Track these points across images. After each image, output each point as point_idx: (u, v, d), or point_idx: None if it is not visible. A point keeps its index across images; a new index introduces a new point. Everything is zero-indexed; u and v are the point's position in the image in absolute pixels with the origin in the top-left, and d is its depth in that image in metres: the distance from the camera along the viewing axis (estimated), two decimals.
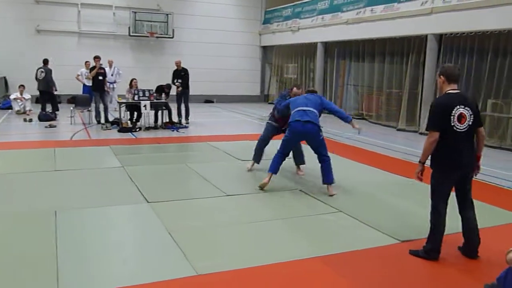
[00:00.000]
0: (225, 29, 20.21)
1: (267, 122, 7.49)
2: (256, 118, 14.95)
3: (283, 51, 20.53)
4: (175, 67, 12.92)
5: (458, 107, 3.90)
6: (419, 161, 4.11)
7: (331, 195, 6.04)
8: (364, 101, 15.58)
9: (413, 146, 10.42)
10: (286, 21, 19.26)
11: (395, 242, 4.55)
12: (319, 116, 6.29)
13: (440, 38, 12.08)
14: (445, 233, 4.12)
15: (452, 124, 3.89)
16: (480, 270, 3.98)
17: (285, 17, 19.50)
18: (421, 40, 12.65)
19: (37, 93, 13.55)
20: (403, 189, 6.64)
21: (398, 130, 13.06)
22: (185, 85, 12.80)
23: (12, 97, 14.24)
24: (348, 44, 16.12)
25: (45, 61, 13.30)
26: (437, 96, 4.14)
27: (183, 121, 12.72)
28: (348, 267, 3.96)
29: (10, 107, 14.88)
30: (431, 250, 4.11)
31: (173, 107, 12.41)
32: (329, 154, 6.33)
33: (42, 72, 12.98)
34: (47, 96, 13.25)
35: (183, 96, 12.83)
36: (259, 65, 21.59)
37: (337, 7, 15.94)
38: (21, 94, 14.02)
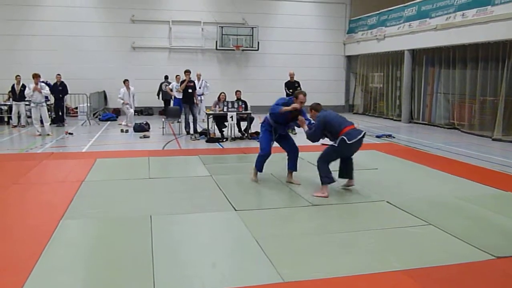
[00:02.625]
0: (309, 39, 20.33)
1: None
2: None
3: (368, 60, 20.21)
4: (288, 78, 13.92)
5: None
6: None
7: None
8: (455, 110, 14.88)
9: (504, 155, 9.79)
10: (371, 30, 18.96)
11: (489, 258, 4.32)
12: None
13: None
14: None
15: None
16: None
17: (370, 26, 19.20)
18: None
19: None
20: (500, 202, 6.26)
21: (494, 140, 12.30)
22: None
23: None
24: (437, 51, 15.52)
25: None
26: None
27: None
28: (436, 282, 3.83)
29: (110, 119, 16.09)
30: None
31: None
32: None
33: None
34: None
35: None
36: (343, 75, 21.41)
37: (425, 13, 15.43)
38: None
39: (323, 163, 6.53)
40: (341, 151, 6.42)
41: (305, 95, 6.81)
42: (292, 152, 7.34)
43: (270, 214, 5.65)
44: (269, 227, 5.15)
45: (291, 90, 13.55)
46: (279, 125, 7.15)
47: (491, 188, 6.98)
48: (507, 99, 12.49)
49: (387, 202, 6.17)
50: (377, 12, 18.68)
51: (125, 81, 14.36)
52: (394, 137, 12.72)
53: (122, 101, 14.41)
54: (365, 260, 4.25)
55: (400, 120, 17.31)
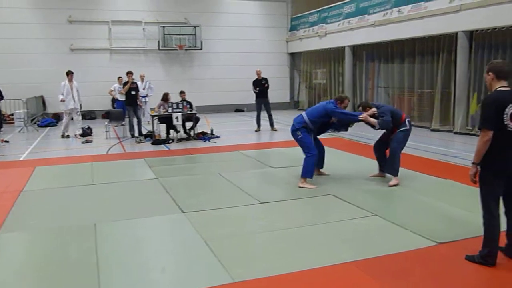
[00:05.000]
0: (252, 38, 20.41)
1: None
2: (286, 125, 14.96)
3: (311, 57, 20.53)
4: (256, 76, 13.80)
5: (510, 105, 3.76)
6: (473, 163, 3.92)
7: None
8: (395, 103, 15.39)
9: (449, 146, 10.25)
10: (313, 27, 19.27)
11: (432, 245, 4.48)
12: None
13: (471, 35, 11.84)
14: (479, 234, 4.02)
15: (506, 123, 3.75)
16: None
17: (311, 23, 19.51)
18: (451, 38, 12.43)
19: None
20: (441, 190, 6.52)
21: (432, 130, 12.83)
22: (265, 94, 13.57)
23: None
24: (376, 46, 15.99)
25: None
26: (488, 94, 3.97)
27: (269, 128, 13.66)
28: (385, 271, 3.92)
29: (49, 125, 15.45)
30: (487, 255, 3.93)
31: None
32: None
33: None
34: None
35: (264, 104, 13.58)
36: (287, 72, 21.66)
37: (364, 10, 15.85)
38: None
39: (399, 152, 6.84)
40: (409, 133, 6.94)
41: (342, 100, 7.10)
42: (320, 151, 7.28)
43: (219, 214, 5.60)
44: (218, 228, 5.10)
45: (258, 88, 13.60)
46: (316, 129, 7.18)
47: (431, 176, 7.27)
48: (443, 91, 13.05)
49: (334, 195, 6.28)
50: (318, 9, 19.01)
51: (68, 73, 12.72)
52: (338, 132, 12.96)
53: (60, 97, 12.62)
54: (314, 254, 4.29)
55: None
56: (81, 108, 13.18)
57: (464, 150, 9.61)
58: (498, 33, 11.10)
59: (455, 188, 6.53)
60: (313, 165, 6.88)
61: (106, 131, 12.72)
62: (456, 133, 12.04)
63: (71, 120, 12.87)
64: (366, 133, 11.43)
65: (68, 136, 12.81)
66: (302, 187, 6.75)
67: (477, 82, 11.79)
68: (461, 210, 5.53)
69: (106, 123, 13.06)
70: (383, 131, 7.14)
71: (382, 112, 6.77)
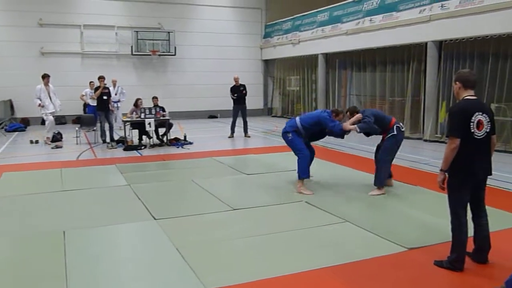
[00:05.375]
0: (227, 44, 20.41)
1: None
2: (260, 132, 15.01)
3: (285, 64, 20.67)
4: (233, 83, 13.82)
5: (477, 113, 3.86)
6: (441, 170, 3.99)
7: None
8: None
9: (419, 153, 10.43)
10: (287, 34, 19.41)
11: (403, 250, 4.54)
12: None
13: (440, 45, 12.14)
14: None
15: (472, 131, 3.85)
16: (491, 274, 3.95)
17: (285, 31, 19.65)
18: (421, 47, 12.72)
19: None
20: (410, 197, 6.63)
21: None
22: (243, 100, 13.62)
23: None
24: (349, 55, 16.22)
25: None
26: (456, 102, 4.07)
27: (243, 134, 13.70)
28: (358, 277, 3.96)
29: (17, 130, 15.07)
30: (455, 260, 4.00)
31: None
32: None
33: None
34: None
35: (241, 110, 13.60)
36: (261, 79, 21.73)
37: (337, 18, 16.07)
38: None
39: (387, 162, 6.86)
40: (400, 140, 6.81)
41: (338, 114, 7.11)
42: (311, 155, 7.34)
43: (191, 221, 5.56)
44: (190, 235, 5.06)
45: (236, 95, 13.61)
46: (309, 135, 7.22)
47: (402, 183, 7.38)
48: (413, 100, 13.33)
49: (306, 202, 6.31)
50: (292, 17, 19.17)
51: (45, 77, 12.21)
52: (335, 138, 13.06)
53: (38, 102, 12.06)
54: (287, 261, 4.29)
55: None
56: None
57: (433, 157, 9.81)
58: (466, 43, 11.42)
59: (425, 195, 6.65)
60: (307, 165, 6.96)
61: (77, 137, 12.48)
62: (425, 140, 12.29)
63: (42, 124, 12.48)
64: (342, 141, 11.54)
65: (37, 142, 12.50)
66: (300, 193, 6.75)
67: (446, 90, 12.08)
68: (431, 216, 5.64)
69: (77, 128, 12.82)
70: (379, 140, 7.08)
71: (365, 115, 6.81)
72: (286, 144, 7.26)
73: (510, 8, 9.76)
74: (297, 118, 7.17)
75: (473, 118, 3.85)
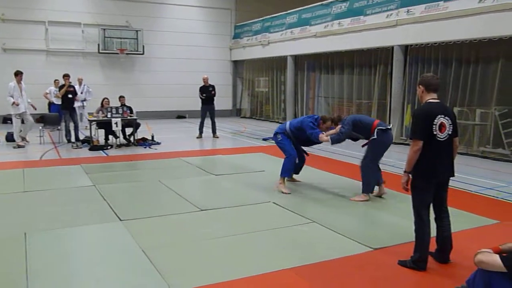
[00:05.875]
0: (196, 44, 20.29)
1: None
2: (229, 133, 14.98)
3: (254, 65, 20.70)
4: (202, 83, 13.73)
5: (439, 116, 3.96)
6: (404, 171, 4.07)
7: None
8: (335, 113, 15.80)
9: (384, 155, 10.58)
10: (256, 36, 19.45)
11: (368, 250, 4.61)
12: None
13: (406, 49, 12.41)
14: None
15: (435, 133, 3.94)
16: (453, 274, 4.05)
17: (254, 32, 19.69)
18: (388, 51, 12.97)
19: None
20: (375, 198, 6.73)
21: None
22: (211, 101, 13.53)
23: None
24: (318, 57, 16.38)
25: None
26: (419, 106, 4.18)
27: (212, 135, 13.61)
28: (323, 277, 3.99)
29: None
30: (418, 260, 4.09)
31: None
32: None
33: None
34: None
35: (209, 111, 13.51)
36: (230, 80, 21.69)
37: (306, 21, 16.20)
38: None
39: (368, 169, 6.52)
40: (382, 142, 6.46)
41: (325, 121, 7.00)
42: (300, 160, 7.44)
43: (158, 222, 5.50)
44: (157, 236, 5.00)
45: (204, 95, 13.51)
46: (297, 139, 7.25)
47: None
48: (379, 102, 13.59)
49: (274, 203, 6.34)
50: (261, 18, 19.22)
51: (17, 74, 11.59)
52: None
53: (12, 101, 11.42)
54: (254, 262, 4.30)
55: None
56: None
57: (399, 159, 10.00)
58: (431, 48, 11.71)
59: (389, 196, 6.76)
60: (291, 165, 7.08)
61: (41, 136, 12.15)
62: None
63: (4, 123, 12.00)
64: (339, 148, 11.63)
65: (23, 140, 11.93)
66: (278, 190, 6.91)
67: (411, 94, 12.35)
68: (395, 217, 5.75)
69: (40, 127, 12.49)
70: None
71: (342, 124, 6.63)
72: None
73: (473, 15, 10.07)
74: (288, 122, 7.34)
75: (435, 120, 3.94)
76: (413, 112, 4.21)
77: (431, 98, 4.08)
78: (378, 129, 6.42)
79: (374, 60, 13.75)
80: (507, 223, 5.42)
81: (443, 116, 3.99)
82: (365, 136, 6.64)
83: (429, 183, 4.05)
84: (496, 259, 3.14)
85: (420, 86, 4.13)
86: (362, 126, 6.60)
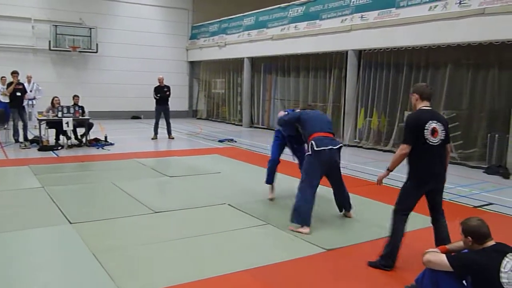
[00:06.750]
0: (152, 44, 19.98)
1: None
2: (184, 134, 14.84)
3: (211, 66, 20.62)
4: (158, 83, 13.54)
5: (430, 121, 4.06)
6: (387, 169, 4.26)
7: None
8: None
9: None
10: (213, 37, 19.38)
11: (321, 251, 4.67)
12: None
13: (360, 53, 12.69)
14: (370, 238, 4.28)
15: (426, 137, 4.04)
16: (401, 273, 4.15)
17: (212, 33, 19.61)
18: (342, 55, 13.22)
19: None
20: (329, 199, 6.81)
21: None
22: (166, 101, 13.35)
23: None
24: (274, 59, 16.51)
25: None
26: (412, 113, 4.32)
27: (167, 136, 13.37)
28: (276, 278, 4.01)
29: None
30: (388, 256, 4.19)
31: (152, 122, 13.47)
32: None
33: None
34: None
35: (164, 112, 13.31)
36: (187, 81, 21.50)
37: (263, 23, 16.30)
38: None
39: (303, 188, 5.34)
40: (314, 163, 5.29)
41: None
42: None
43: (110, 225, 5.36)
44: (108, 239, 4.87)
45: (159, 95, 13.30)
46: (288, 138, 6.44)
47: (322, 186, 7.57)
48: (334, 105, 13.84)
49: (229, 205, 6.31)
50: (219, 19, 19.17)
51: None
52: (236, 141, 13.15)
53: None
54: (208, 264, 4.27)
55: (241, 125, 17.98)
56: None
57: (352, 161, 10.22)
58: (384, 53, 12.03)
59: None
60: (270, 170, 6.63)
61: None
62: (345, 145, 12.75)
63: None
64: (262, 143, 11.70)
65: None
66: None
67: (364, 97, 12.64)
68: (346, 218, 5.85)
69: None
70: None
71: (292, 112, 6.18)
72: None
73: (424, 22, 10.43)
74: None
75: (426, 125, 4.06)
76: (406, 119, 4.35)
77: (424, 105, 4.21)
78: (311, 143, 5.27)
79: (329, 64, 13.98)
80: (454, 224, 5.62)
81: (435, 121, 4.10)
82: (304, 141, 5.79)
83: (420, 189, 4.18)
84: (443, 258, 3.25)
85: (415, 94, 4.26)
86: (304, 129, 5.62)
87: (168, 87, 13.54)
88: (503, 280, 2.97)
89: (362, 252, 4.47)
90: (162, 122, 13.30)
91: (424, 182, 4.16)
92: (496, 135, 9.64)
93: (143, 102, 18.52)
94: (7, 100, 12.00)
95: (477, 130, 10.23)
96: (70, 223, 5.34)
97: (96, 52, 18.46)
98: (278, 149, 6.62)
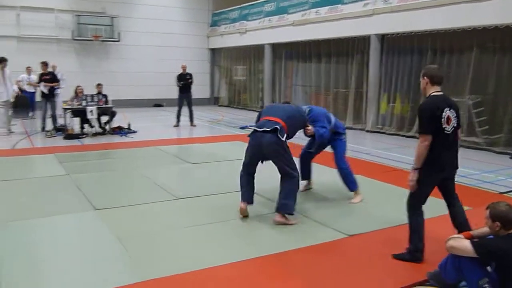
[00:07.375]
0: (173, 32, 20.06)
1: None
2: (206, 121, 14.91)
3: (232, 53, 20.59)
4: (180, 71, 13.68)
5: (446, 109, 3.85)
6: (414, 168, 3.88)
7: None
8: (312, 101, 15.86)
9: (361, 143, 10.72)
10: (234, 24, 19.32)
11: (343, 237, 4.66)
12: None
13: (382, 38, 12.48)
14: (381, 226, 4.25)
15: (444, 126, 3.83)
16: (425, 259, 4.11)
17: (232, 20, 19.55)
18: (365, 40, 13.02)
19: None
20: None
21: (346, 128, 13.32)
22: (188, 89, 13.44)
23: None
24: (295, 45, 16.37)
25: None
26: (424, 100, 4.02)
27: (189, 123, 13.52)
28: (297, 263, 4.02)
29: None
30: (415, 250, 4.05)
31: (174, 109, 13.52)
32: None
33: None
34: None
35: (187, 99, 13.40)
36: (208, 68, 21.54)
37: (283, 9, 16.15)
38: None
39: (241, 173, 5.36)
40: (248, 144, 5.39)
41: None
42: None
43: (134, 211, 5.44)
44: (132, 225, 4.96)
45: (181, 83, 13.41)
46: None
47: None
48: (356, 91, 13.68)
49: None
50: (239, 6, 19.08)
51: (1, 61, 11.19)
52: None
53: None
54: (231, 250, 4.30)
55: None
56: None
57: (375, 147, 10.13)
58: (407, 37, 11.80)
59: (365, 183, 6.81)
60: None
61: (13, 125, 11.88)
62: (367, 131, 12.66)
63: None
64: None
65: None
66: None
67: (387, 83, 12.47)
68: (369, 204, 5.81)
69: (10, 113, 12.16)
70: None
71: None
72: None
73: (448, 5, 10.19)
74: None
75: (443, 114, 3.84)
76: (420, 107, 3.99)
77: (435, 91, 3.95)
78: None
79: (351, 49, 13.80)
80: (479, 210, 5.53)
81: (449, 108, 3.89)
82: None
83: (435, 178, 3.97)
84: (467, 244, 3.21)
85: (425, 77, 3.96)
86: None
87: (191, 75, 13.61)
88: None
89: (385, 237, 4.43)
90: (184, 110, 13.38)
91: (440, 171, 3.95)
92: None
93: (165, 90, 18.66)
94: (32, 90, 12.19)
95: (503, 115, 9.97)
96: (95, 209, 5.45)
97: (118, 41, 18.63)
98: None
